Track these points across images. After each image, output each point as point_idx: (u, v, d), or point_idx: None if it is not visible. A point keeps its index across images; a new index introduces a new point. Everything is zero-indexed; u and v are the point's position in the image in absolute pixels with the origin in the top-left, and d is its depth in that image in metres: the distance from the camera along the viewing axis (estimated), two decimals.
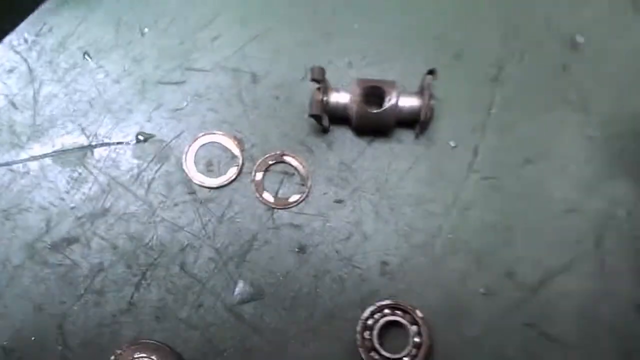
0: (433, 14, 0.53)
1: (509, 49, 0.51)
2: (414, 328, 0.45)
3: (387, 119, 0.47)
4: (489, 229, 0.47)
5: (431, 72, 0.46)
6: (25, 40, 0.50)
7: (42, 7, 0.50)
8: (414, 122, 0.48)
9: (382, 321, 0.45)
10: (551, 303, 0.46)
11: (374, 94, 0.47)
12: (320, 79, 0.45)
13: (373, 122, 0.48)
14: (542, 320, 0.45)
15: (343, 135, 0.50)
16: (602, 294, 0.45)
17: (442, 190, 0.48)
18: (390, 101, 0.46)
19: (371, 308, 0.45)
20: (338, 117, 0.48)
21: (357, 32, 0.53)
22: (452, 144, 0.49)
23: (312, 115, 0.46)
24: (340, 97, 0.47)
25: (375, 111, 0.46)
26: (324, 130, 0.49)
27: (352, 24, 0.53)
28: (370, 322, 0.45)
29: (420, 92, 0.47)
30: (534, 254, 0.46)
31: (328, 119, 0.48)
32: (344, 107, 0.47)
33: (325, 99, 0.47)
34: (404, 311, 0.45)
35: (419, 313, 0.45)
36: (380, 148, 0.50)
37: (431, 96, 0.46)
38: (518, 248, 0.47)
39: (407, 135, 0.50)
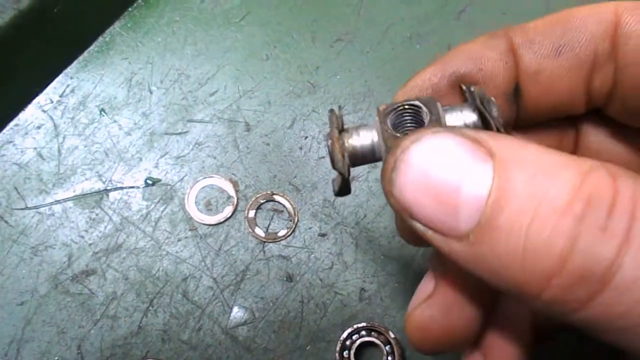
0: (405, 66, 0.62)
1: None
2: (387, 348, 0.52)
3: None
4: None
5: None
6: (51, 101, 0.60)
7: (65, 72, 0.60)
8: None
9: (358, 342, 0.52)
10: None
11: (408, 121, 0.30)
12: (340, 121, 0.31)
13: None
14: None
15: (326, 176, 0.58)
16: None
17: None
18: (431, 120, 0.28)
19: (349, 330, 0.52)
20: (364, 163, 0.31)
21: (339, 82, 0.62)
22: None
23: (342, 178, 0.30)
24: (363, 139, 0.30)
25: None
26: (347, 191, 0.32)
27: (335, 76, 0.62)
28: (348, 342, 0.52)
29: (473, 108, 0.29)
30: None
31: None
32: (372, 150, 0.30)
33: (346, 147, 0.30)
34: (379, 332, 0.52)
35: (391, 334, 0.52)
36: (359, 187, 0.58)
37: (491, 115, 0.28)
38: None
39: None
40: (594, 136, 0.36)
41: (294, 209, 0.57)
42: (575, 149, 0.37)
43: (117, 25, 0.62)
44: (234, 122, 0.60)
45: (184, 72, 0.61)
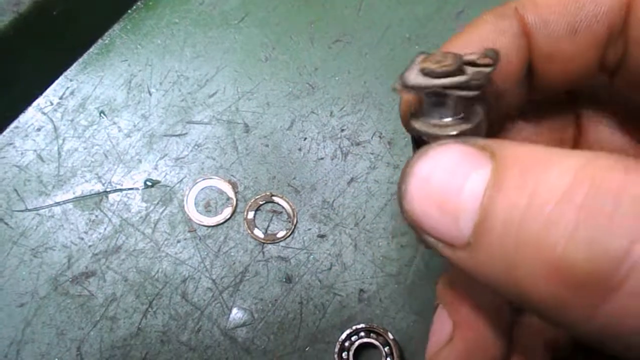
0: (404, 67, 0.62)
1: None
2: (386, 349, 0.52)
3: None
4: None
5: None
6: (51, 103, 0.60)
7: (65, 74, 0.60)
8: None
9: (357, 343, 0.52)
10: None
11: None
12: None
13: None
14: None
15: (325, 177, 0.58)
16: None
17: None
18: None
19: (348, 331, 0.52)
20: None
21: (338, 83, 0.62)
22: None
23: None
24: None
25: None
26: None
27: (334, 77, 0.62)
28: (347, 343, 0.52)
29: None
30: None
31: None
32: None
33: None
34: (377, 334, 0.52)
35: (390, 335, 0.52)
36: (358, 188, 0.58)
37: None
38: None
39: (383, 176, 0.58)
40: (598, 127, 0.35)
41: (293, 210, 0.57)
42: (577, 143, 0.36)
43: (116, 28, 0.62)
44: (233, 124, 0.60)
45: (183, 73, 0.61)
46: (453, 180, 0.22)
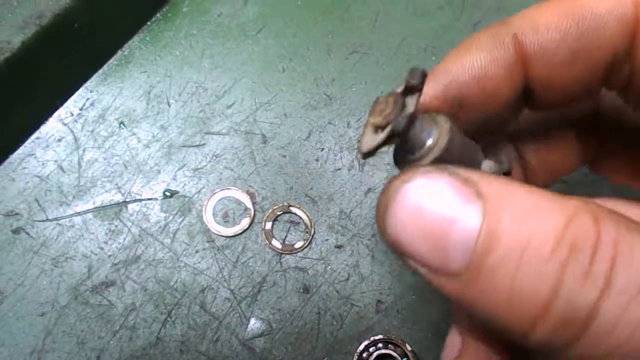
0: None
1: None
2: None
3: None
4: None
5: None
6: (72, 114, 0.61)
7: (85, 85, 0.61)
8: None
9: (375, 354, 0.52)
10: None
11: None
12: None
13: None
14: None
15: (342, 188, 0.59)
16: None
17: None
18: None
19: (366, 342, 0.52)
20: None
21: (354, 94, 0.62)
22: None
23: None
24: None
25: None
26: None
27: (350, 88, 0.62)
28: (365, 354, 0.52)
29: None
30: None
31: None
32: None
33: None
34: (395, 345, 0.52)
35: (408, 347, 0.52)
36: (375, 198, 0.58)
37: None
38: None
39: None
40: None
41: (310, 220, 0.57)
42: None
43: (136, 39, 0.63)
44: (251, 134, 0.60)
45: (202, 84, 0.62)
46: (443, 215, 0.24)
